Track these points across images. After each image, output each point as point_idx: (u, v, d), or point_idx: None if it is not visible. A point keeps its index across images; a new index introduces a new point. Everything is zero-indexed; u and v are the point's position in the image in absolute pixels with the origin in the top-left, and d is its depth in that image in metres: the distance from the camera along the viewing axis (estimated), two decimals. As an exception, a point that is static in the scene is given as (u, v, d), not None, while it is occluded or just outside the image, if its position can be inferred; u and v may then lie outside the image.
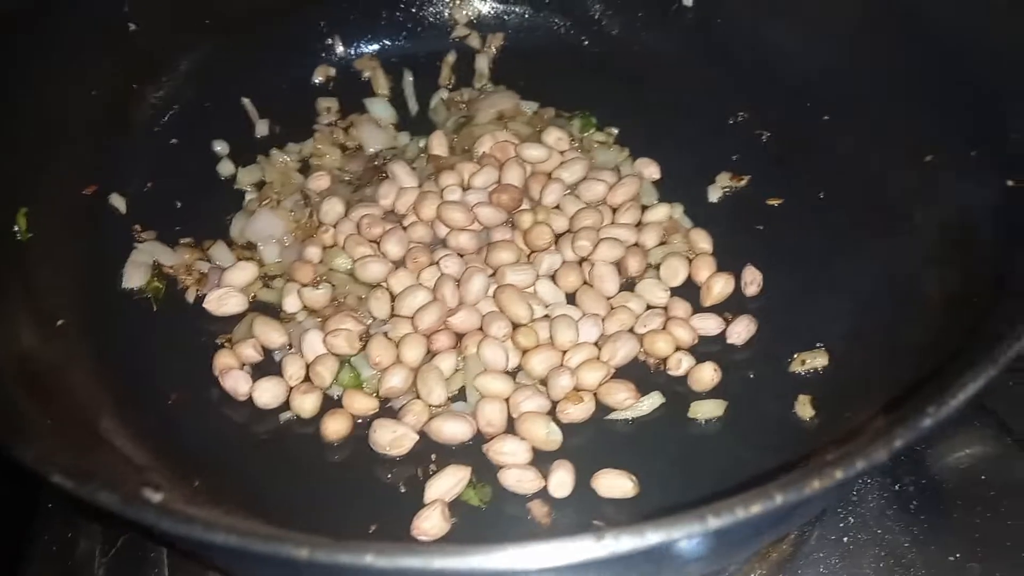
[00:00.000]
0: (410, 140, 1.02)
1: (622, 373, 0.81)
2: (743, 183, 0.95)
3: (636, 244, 0.90)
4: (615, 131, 1.01)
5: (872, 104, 0.87)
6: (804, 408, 0.77)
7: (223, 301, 0.86)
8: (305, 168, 0.99)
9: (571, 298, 0.86)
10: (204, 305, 0.85)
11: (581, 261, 0.88)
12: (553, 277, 0.87)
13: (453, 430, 0.77)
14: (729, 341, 0.83)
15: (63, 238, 0.84)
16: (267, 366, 0.82)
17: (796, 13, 0.95)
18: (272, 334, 0.83)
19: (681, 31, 1.04)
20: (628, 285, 0.87)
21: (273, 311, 0.86)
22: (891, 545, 0.77)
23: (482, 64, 1.08)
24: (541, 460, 0.75)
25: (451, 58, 1.08)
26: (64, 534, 0.77)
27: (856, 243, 0.83)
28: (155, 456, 0.70)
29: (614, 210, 0.93)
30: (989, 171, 0.69)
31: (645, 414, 0.78)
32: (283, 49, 1.06)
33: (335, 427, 0.78)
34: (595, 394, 0.79)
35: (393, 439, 0.76)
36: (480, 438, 0.77)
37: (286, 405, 0.80)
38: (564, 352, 0.81)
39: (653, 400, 0.79)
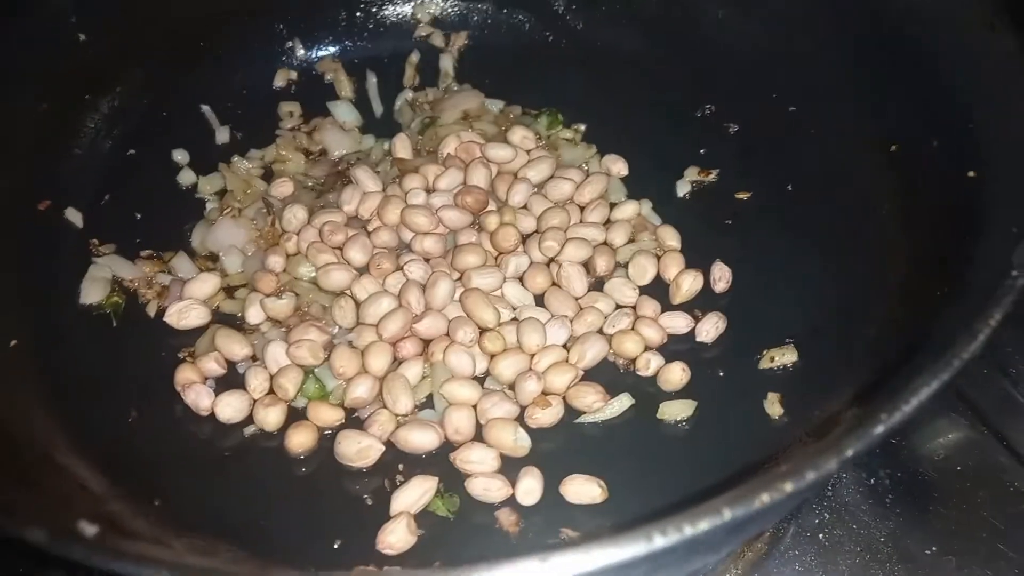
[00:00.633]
0: (375, 143, 1.00)
1: (591, 375, 0.80)
2: (711, 177, 0.94)
3: (604, 243, 0.89)
4: (582, 127, 1.00)
5: (838, 94, 0.87)
6: (773, 406, 0.76)
7: (184, 314, 0.84)
8: (268, 175, 0.97)
9: (540, 299, 0.85)
10: (165, 319, 0.83)
11: (549, 262, 0.87)
12: (521, 279, 0.86)
13: (420, 439, 0.75)
14: (698, 339, 0.82)
15: (15, 256, 0.82)
16: (231, 378, 0.81)
17: (760, 4, 0.94)
18: (235, 346, 0.82)
19: (646, 24, 1.02)
20: (597, 285, 0.86)
21: (236, 323, 0.85)
22: (867, 540, 0.76)
23: (446, 63, 1.06)
24: (510, 467, 0.74)
25: (415, 58, 1.07)
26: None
27: (824, 237, 0.82)
28: (112, 480, 0.68)
29: (582, 208, 0.91)
30: (952, 161, 0.68)
31: (614, 416, 0.77)
32: (242, 54, 1.03)
33: (300, 440, 0.76)
34: (564, 397, 0.78)
35: (359, 450, 0.75)
36: (449, 446, 0.75)
37: (250, 419, 0.78)
38: (532, 356, 0.80)
39: (622, 402, 0.78)
